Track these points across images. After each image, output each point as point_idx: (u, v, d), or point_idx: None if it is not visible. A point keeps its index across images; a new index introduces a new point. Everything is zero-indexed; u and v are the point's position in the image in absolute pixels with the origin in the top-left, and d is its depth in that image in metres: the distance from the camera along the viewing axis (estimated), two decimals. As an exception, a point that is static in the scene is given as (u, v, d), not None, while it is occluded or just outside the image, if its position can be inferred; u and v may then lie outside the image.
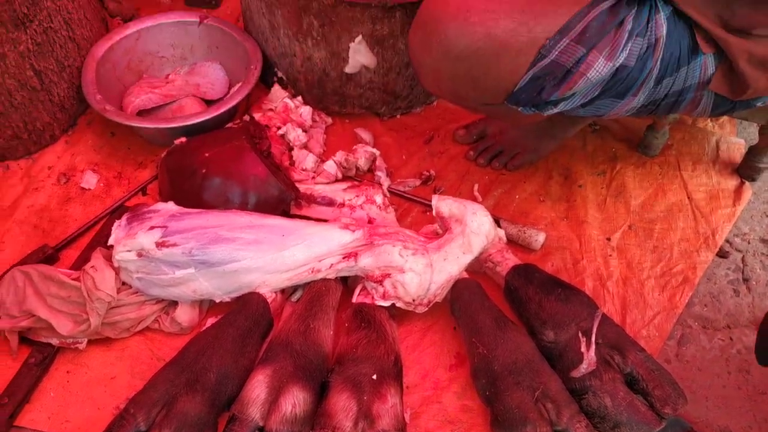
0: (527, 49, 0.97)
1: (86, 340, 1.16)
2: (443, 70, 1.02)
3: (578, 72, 0.98)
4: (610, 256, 1.32)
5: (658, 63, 1.02)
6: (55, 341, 1.15)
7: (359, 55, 1.36)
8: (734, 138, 1.53)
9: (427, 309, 1.18)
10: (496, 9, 0.96)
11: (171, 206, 1.20)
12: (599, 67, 0.98)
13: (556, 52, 0.97)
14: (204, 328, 1.18)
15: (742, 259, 1.36)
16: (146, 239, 1.12)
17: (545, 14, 0.96)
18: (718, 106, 1.13)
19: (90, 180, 1.40)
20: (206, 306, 1.22)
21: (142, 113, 1.47)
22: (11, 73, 1.30)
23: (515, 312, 1.20)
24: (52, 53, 1.37)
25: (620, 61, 0.99)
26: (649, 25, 1.00)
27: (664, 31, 1.01)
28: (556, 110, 1.06)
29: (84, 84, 1.40)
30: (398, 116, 1.54)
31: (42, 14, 1.32)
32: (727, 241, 1.37)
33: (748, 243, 1.38)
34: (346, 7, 1.26)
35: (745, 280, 1.32)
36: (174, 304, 1.19)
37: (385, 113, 1.52)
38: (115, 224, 1.17)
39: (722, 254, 1.35)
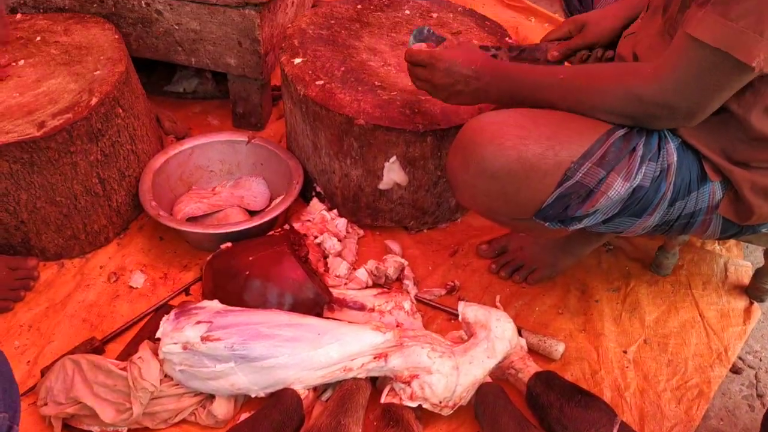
0: (554, 170, 1.10)
1: (126, 429, 1.21)
2: (479, 187, 1.14)
3: (600, 191, 1.11)
4: (627, 368, 1.38)
5: (671, 186, 1.15)
6: (96, 429, 1.21)
7: (393, 174, 1.50)
8: (741, 261, 1.62)
9: (452, 411, 1.23)
10: (527, 136, 1.10)
11: (216, 304, 1.29)
12: (618, 187, 1.10)
13: (580, 174, 1.10)
14: (238, 422, 1.23)
15: (755, 376, 1.41)
16: (192, 333, 1.21)
17: (570, 141, 1.11)
18: (727, 230, 1.23)
19: (138, 279, 1.51)
20: (241, 401, 1.28)
21: (190, 221, 1.60)
22: (80, 179, 1.45)
23: (537, 417, 1.25)
24: (116, 164, 1.52)
25: (636, 182, 1.11)
26: (661, 152, 1.14)
27: (675, 158, 1.14)
28: (580, 225, 1.17)
29: (141, 192, 1.54)
30: (425, 230, 1.66)
31: (112, 130, 1.48)
32: (739, 357, 1.43)
33: (760, 360, 1.44)
34: (384, 131, 1.41)
35: (759, 396, 1.37)
36: (211, 397, 1.25)
37: (413, 227, 1.64)
38: (164, 318, 1.26)
39: (735, 370, 1.41)
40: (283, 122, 1.83)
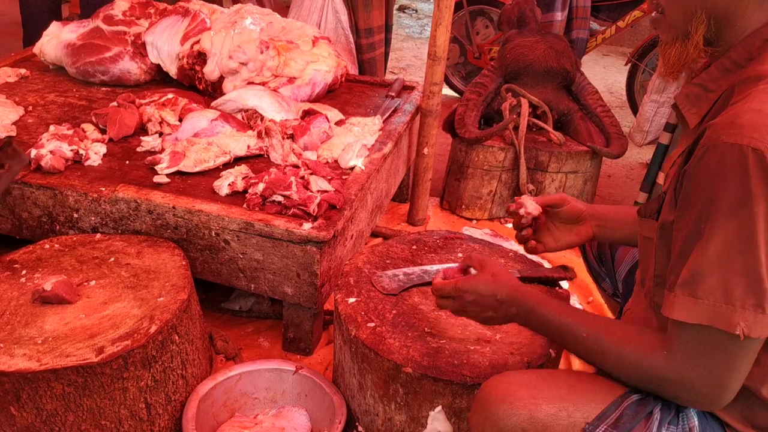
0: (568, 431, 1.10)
1: None
2: None
3: None
4: None
5: None
6: None
7: (437, 423, 1.47)
8: None
9: None
10: (539, 396, 1.12)
11: None
12: None
13: None
14: None
15: None
16: None
17: (584, 402, 1.12)
18: None
19: None
20: None
21: (229, 452, 1.57)
22: (127, 404, 1.47)
23: None
24: (165, 388, 1.54)
25: None
26: (680, 415, 1.12)
27: (697, 423, 1.12)
28: None
29: (185, 419, 1.54)
30: (468, 482, 1.58)
31: (166, 356, 1.52)
32: None
33: None
34: (431, 381, 1.41)
35: None
36: None
37: (455, 478, 1.57)
38: None
39: None
40: (332, 348, 1.85)
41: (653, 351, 1.09)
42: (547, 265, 2.25)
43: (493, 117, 2.80)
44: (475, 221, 2.77)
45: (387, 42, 3.25)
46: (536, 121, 2.71)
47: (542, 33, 2.90)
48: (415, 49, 5.26)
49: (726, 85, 1.10)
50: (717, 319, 0.99)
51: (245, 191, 1.87)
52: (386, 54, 3.30)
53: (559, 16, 3.40)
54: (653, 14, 1.20)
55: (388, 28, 3.21)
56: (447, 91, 4.20)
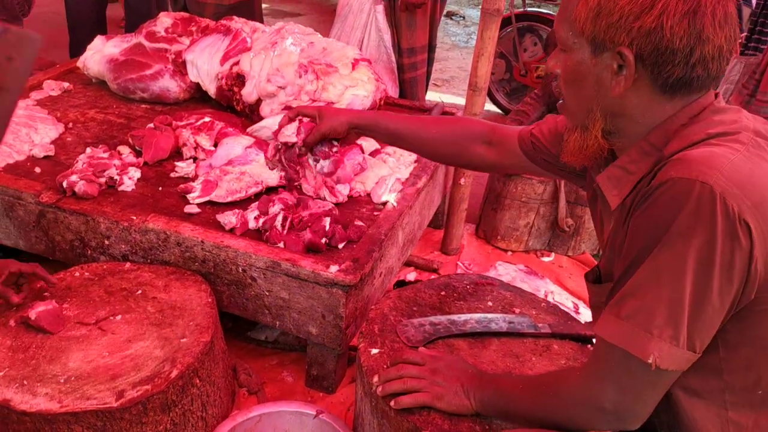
0: None
1: None
2: None
3: None
4: None
5: None
6: None
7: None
8: None
9: None
10: None
11: None
12: None
13: None
14: None
15: None
16: None
17: None
18: None
19: None
20: None
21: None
22: (145, 449, 1.46)
23: None
24: (183, 431, 1.53)
25: None
26: None
27: None
28: None
29: (201, 463, 1.53)
30: None
31: (186, 399, 1.51)
32: None
33: None
34: (451, 446, 1.37)
35: None
36: None
37: None
38: None
39: None
40: (354, 387, 1.83)
41: (570, 374, 1.16)
42: (584, 312, 2.18)
43: (534, 146, 2.73)
44: (510, 253, 2.71)
45: (429, 61, 3.20)
46: (578, 152, 2.62)
47: (589, 60, 2.81)
48: (460, 59, 5.19)
49: (646, 167, 1.09)
50: (633, 344, 1.00)
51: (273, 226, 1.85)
52: (428, 73, 3.24)
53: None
54: (560, 101, 1.20)
55: (431, 48, 3.16)
56: (490, 106, 4.13)
